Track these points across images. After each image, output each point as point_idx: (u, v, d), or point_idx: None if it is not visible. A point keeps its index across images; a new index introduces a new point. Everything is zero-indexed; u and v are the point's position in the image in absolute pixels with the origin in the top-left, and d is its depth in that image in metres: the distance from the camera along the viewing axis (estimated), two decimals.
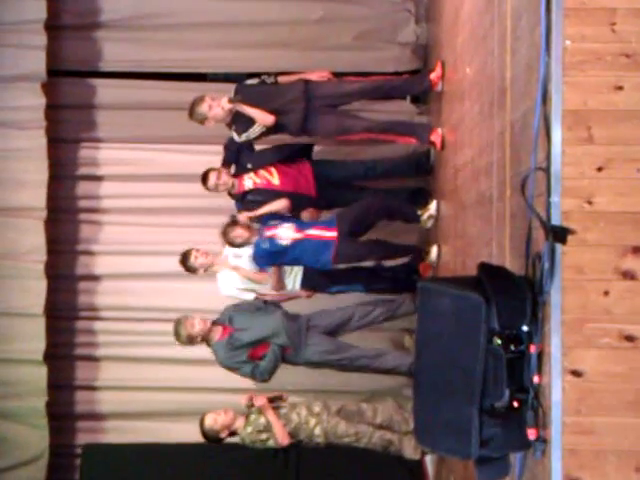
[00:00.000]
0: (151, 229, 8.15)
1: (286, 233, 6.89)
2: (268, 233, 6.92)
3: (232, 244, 7.01)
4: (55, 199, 7.92)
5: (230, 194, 7.31)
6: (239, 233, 6.93)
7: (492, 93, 4.66)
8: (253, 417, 6.58)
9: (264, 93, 6.98)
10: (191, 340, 6.89)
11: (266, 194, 7.20)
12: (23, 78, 7.73)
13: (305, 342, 6.90)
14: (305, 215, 7.24)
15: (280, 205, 7.04)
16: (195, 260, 7.08)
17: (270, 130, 6.95)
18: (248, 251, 7.07)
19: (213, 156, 7.94)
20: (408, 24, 7.99)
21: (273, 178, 7.24)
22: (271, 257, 6.92)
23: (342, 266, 7.09)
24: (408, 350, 7.23)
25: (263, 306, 7.11)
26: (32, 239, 7.79)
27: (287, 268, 7.19)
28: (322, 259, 6.88)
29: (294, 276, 7.22)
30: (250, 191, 7.26)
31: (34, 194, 7.76)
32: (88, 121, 8.15)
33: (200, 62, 8.04)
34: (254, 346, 6.85)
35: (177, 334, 6.88)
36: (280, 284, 7.17)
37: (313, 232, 6.92)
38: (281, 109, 6.89)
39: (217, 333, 6.92)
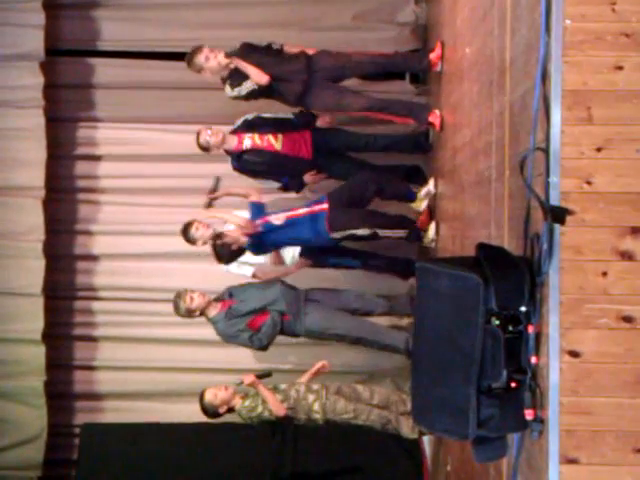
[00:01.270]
0: (150, 209, 8.14)
1: (278, 215, 6.95)
2: (259, 222, 6.96)
3: (231, 255, 7.05)
4: (54, 179, 7.92)
5: (226, 151, 7.27)
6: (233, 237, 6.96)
7: (491, 73, 4.64)
8: (252, 392, 6.64)
9: (268, 57, 6.96)
10: (190, 313, 6.96)
11: (265, 155, 7.20)
12: (21, 57, 7.71)
13: (304, 310, 6.98)
14: (307, 178, 7.28)
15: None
16: (196, 231, 7.07)
17: (263, 92, 6.92)
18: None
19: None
20: (407, 4, 7.97)
21: (277, 142, 7.23)
22: (269, 239, 6.94)
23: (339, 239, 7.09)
24: (406, 329, 7.23)
25: (263, 282, 7.22)
26: (30, 219, 7.79)
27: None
28: (318, 230, 6.92)
29: (293, 252, 7.25)
30: (248, 151, 7.24)
31: (32, 174, 7.75)
32: (87, 100, 8.13)
33: (199, 41, 7.94)
34: (253, 315, 6.93)
35: (176, 307, 6.96)
36: (278, 258, 7.18)
37: (304, 210, 6.99)
38: (282, 77, 6.88)
39: (216, 308, 6.99)
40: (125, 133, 8.15)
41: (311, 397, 6.62)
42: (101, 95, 8.12)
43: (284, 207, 7.17)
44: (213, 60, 6.85)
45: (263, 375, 6.72)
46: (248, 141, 7.25)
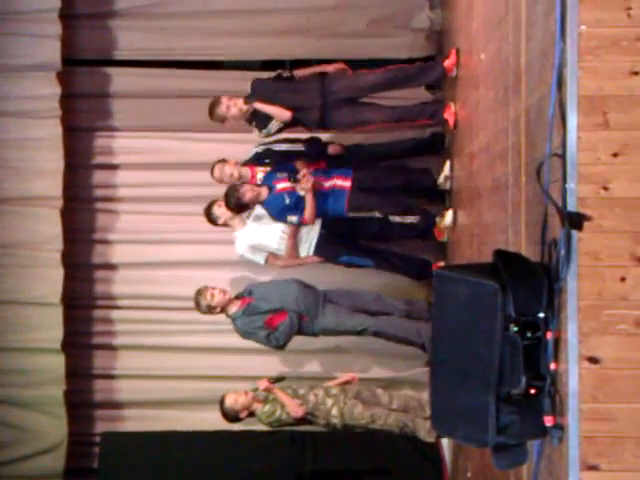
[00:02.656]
0: (167, 217, 8.15)
1: (307, 180, 6.95)
2: (280, 186, 6.94)
3: (238, 205, 7.03)
4: (71, 188, 7.94)
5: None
6: (245, 192, 6.95)
7: (507, 79, 4.64)
8: (271, 397, 6.69)
9: (280, 89, 7.08)
10: (210, 310, 7.04)
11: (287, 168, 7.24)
12: (38, 67, 7.73)
13: (322, 311, 7.01)
14: (299, 164, 7.25)
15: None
16: (219, 208, 7.18)
17: (289, 124, 7.08)
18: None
19: (229, 144, 7.97)
20: (422, 10, 7.96)
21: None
22: (292, 210, 7.00)
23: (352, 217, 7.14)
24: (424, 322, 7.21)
25: (283, 281, 7.23)
26: (49, 228, 7.81)
27: (302, 236, 7.22)
28: (336, 205, 7.04)
29: (309, 244, 7.25)
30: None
31: (50, 183, 7.77)
32: (103, 110, 8.15)
33: (216, 50, 8.03)
34: (271, 314, 6.96)
35: (197, 304, 7.04)
36: (293, 250, 7.23)
37: (328, 184, 7.07)
38: (298, 106, 7.00)
39: (236, 305, 7.05)
40: (142, 142, 8.17)
41: (330, 402, 6.66)
42: (118, 104, 8.15)
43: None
44: (234, 108, 7.02)
45: (277, 379, 6.81)
46: (261, 175, 7.30)
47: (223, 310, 7.05)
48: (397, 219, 7.10)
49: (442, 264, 7.06)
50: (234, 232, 7.36)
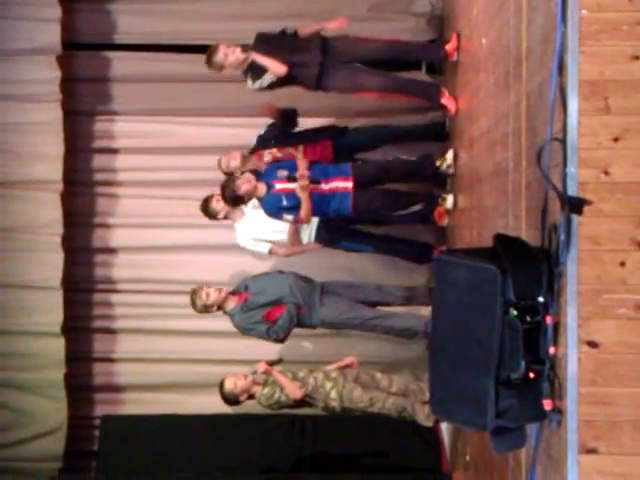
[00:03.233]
0: (167, 202, 8.16)
1: (303, 184, 6.89)
2: (279, 186, 6.92)
3: (233, 198, 6.97)
4: (71, 172, 7.95)
5: (251, 171, 7.23)
6: (240, 185, 6.89)
7: (508, 64, 4.63)
8: (270, 380, 6.70)
9: (282, 44, 6.99)
10: (207, 309, 6.99)
11: (288, 165, 7.21)
12: (38, 51, 7.73)
13: (320, 302, 6.98)
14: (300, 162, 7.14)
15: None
16: (217, 203, 7.12)
17: (284, 81, 6.95)
18: None
19: (229, 128, 7.98)
20: None
21: (297, 153, 7.24)
22: (288, 210, 6.95)
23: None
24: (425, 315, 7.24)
25: (278, 273, 7.19)
26: (49, 212, 7.82)
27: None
28: (340, 207, 6.96)
29: (309, 230, 7.25)
30: (271, 164, 7.26)
31: (50, 167, 7.78)
32: (103, 94, 8.15)
33: (215, 34, 7.98)
34: (269, 307, 6.93)
35: (193, 304, 6.98)
36: (295, 236, 7.21)
37: (328, 186, 6.94)
38: (298, 62, 6.90)
39: (232, 302, 7.00)
40: (142, 126, 8.17)
41: (329, 385, 6.68)
42: (118, 88, 8.15)
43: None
44: (232, 56, 6.89)
45: (275, 362, 6.82)
46: (268, 157, 7.28)
47: (220, 308, 7.00)
48: (401, 212, 7.12)
49: (444, 248, 7.06)
50: (234, 223, 7.32)
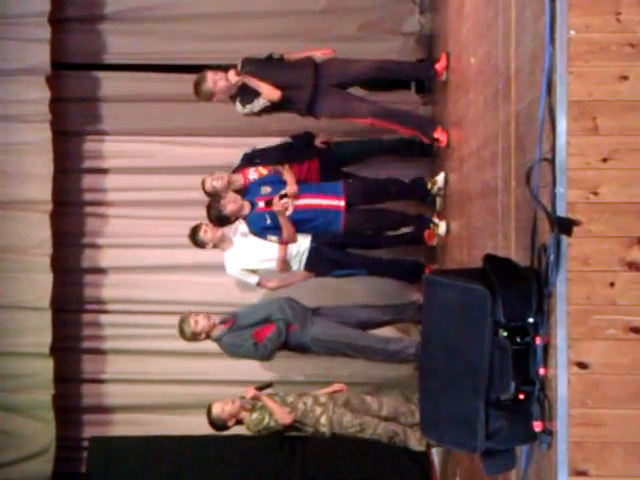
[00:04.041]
0: (157, 222, 8.14)
1: (286, 204, 6.92)
2: (261, 204, 6.92)
3: (219, 218, 6.96)
4: (61, 192, 7.92)
5: (236, 191, 7.23)
6: (226, 204, 6.90)
7: (497, 84, 4.64)
8: (259, 405, 6.65)
9: (273, 67, 6.94)
10: (195, 336, 6.92)
11: (272, 180, 7.20)
12: (28, 71, 7.72)
13: (310, 321, 6.92)
14: (285, 172, 7.16)
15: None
16: (205, 234, 7.03)
17: (275, 106, 6.88)
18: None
19: (218, 148, 7.98)
20: (412, 14, 7.99)
21: (285, 171, 7.20)
22: (273, 230, 6.94)
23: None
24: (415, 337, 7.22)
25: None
26: (38, 232, 7.79)
27: (293, 250, 7.06)
28: (330, 227, 6.98)
29: (299, 259, 7.17)
30: (255, 182, 7.24)
31: (40, 187, 7.76)
32: (93, 114, 8.15)
33: (204, 54, 8.01)
34: (258, 326, 6.87)
35: (181, 331, 6.92)
36: (284, 265, 7.08)
37: (318, 202, 6.97)
38: (290, 84, 6.84)
39: (220, 329, 6.96)
40: (131, 146, 8.16)
41: (318, 410, 6.62)
42: (107, 108, 8.14)
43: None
44: (220, 81, 6.78)
45: (263, 386, 6.76)
46: (254, 174, 7.26)
47: (208, 336, 6.94)
48: (390, 233, 7.11)
49: (435, 267, 7.05)
50: (224, 252, 7.24)
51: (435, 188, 7.03)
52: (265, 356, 6.98)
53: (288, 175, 6.97)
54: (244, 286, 7.69)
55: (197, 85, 6.86)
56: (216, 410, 6.68)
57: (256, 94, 6.79)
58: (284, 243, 6.95)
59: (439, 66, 6.79)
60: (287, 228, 6.84)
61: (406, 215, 7.29)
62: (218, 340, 6.97)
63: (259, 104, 6.81)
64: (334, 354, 7.19)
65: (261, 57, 7.01)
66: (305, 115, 7.04)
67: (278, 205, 6.80)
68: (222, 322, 7.00)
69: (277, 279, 7.24)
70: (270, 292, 7.45)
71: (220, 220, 6.96)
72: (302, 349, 7.07)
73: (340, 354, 7.14)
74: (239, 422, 6.68)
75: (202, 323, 6.86)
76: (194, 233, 7.07)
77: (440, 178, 6.95)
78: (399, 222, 7.24)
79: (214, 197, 7.02)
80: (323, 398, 6.70)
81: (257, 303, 7.24)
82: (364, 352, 7.09)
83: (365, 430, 6.61)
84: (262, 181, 7.13)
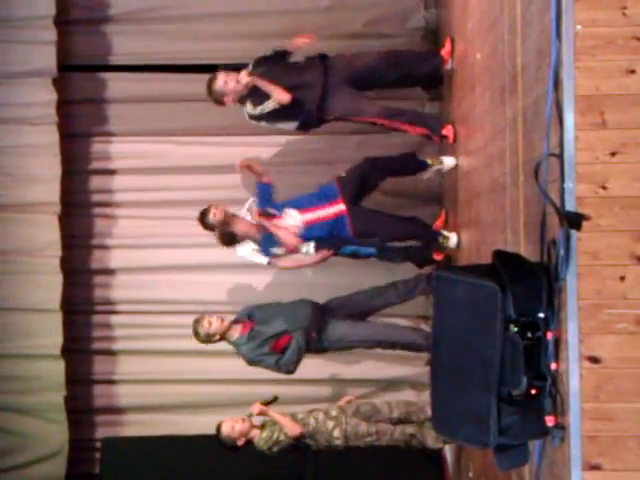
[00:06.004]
0: (165, 222, 8.14)
1: (293, 221, 6.89)
2: (267, 224, 6.89)
3: (226, 238, 7.02)
4: (69, 194, 7.94)
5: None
6: (237, 223, 6.96)
7: (503, 79, 4.64)
8: (269, 423, 6.60)
9: (283, 69, 6.95)
10: (209, 338, 6.86)
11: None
12: (34, 74, 7.73)
13: (325, 324, 6.88)
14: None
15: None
16: (214, 217, 6.99)
17: (285, 108, 6.88)
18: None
19: (225, 147, 7.97)
20: (417, 10, 7.97)
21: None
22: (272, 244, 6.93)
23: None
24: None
25: (283, 302, 7.10)
26: (47, 234, 7.80)
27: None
28: (339, 234, 6.93)
29: (307, 244, 7.10)
30: None
31: (48, 189, 7.77)
32: (100, 115, 8.15)
33: (210, 53, 8.01)
34: (276, 338, 6.81)
35: (195, 333, 6.88)
36: (294, 239, 6.94)
37: (320, 214, 6.93)
38: (300, 85, 6.86)
39: (237, 331, 6.89)
40: (138, 147, 8.16)
41: (331, 424, 6.57)
42: (114, 109, 8.15)
43: (293, 199, 7.10)
44: (232, 82, 6.82)
45: (269, 401, 6.70)
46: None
47: (223, 337, 6.88)
48: (396, 243, 7.07)
49: (443, 255, 7.01)
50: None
51: (435, 168, 6.98)
52: (287, 372, 6.92)
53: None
54: (254, 284, 7.70)
55: (209, 85, 6.91)
56: (226, 429, 6.57)
57: (266, 96, 6.82)
58: (290, 251, 6.94)
59: (444, 52, 6.82)
60: (279, 234, 6.84)
61: (415, 224, 7.19)
62: (236, 346, 6.90)
63: (269, 106, 6.84)
64: (351, 350, 7.22)
65: (270, 54, 7.01)
66: (315, 114, 7.01)
67: (256, 217, 6.80)
68: (236, 322, 6.95)
69: (290, 259, 7.12)
70: (279, 285, 7.40)
71: (227, 242, 7.05)
72: (321, 351, 7.06)
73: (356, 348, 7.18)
74: (249, 442, 6.60)
75: (215, 325, 6.81)
76: (203, 216, 7.05)
77: (448, 161, 6.88)
78: (407, 230, 7.15)
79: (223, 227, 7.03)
80: (334, 412, 6.64)
81: (274, 305, 7.09)
82: (379, 346, 7.11)
83: (382, 438, 6.57)
84: (260, 203, 7.10)
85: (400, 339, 7.01)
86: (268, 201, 7.03)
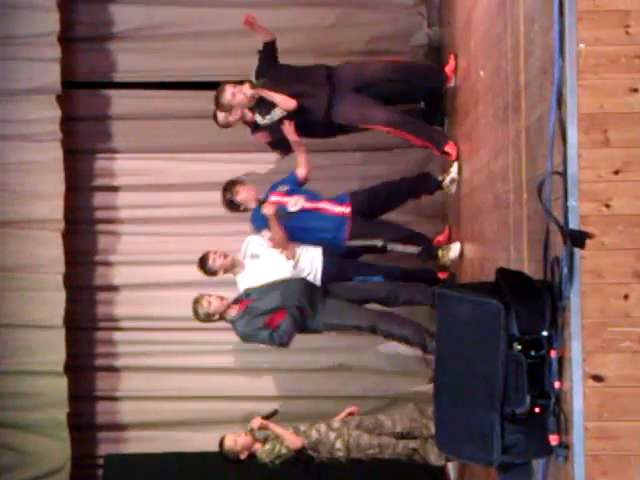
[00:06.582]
0: (168, 238, 8.15)
1: (296, 201, 6.95)
2: (274, 199, 6.94)
3: (230, 205, 7.09)
4: (72, 210, 7.93)
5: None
6: (239, 191, 7.02)
7: (507, 96, 4.64)
8: (271, 436, 6.61)
9: (285, 77, 6.99)
10: (209, 317, 6.92)
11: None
12: (38, 91, 7.74)
13: (322, 305, 6.88)
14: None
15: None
16: (214, 262, 7.05)
17: (294, 115, 6.91)
18: (266, 251, 7.08)
19: (228, 164, 7.98)
20: (421, 28, 7.99)
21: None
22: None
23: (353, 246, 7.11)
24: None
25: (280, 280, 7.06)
26: (50, 251, 7.80)
27: (306, 267, 7.05)
28: (337, 234, 6.98)
29: (313, 275, 7.07)
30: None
31: (51, 206, 7.77)
32: (103, 132, 8.16)
33: (214, 70, 8.03)
34: (271, 313, 6.82)
35: (195, 313, 6.94)
36: (285, 242, 6.98)
37: (325, 206, 7.00)
38: (303, 94, 6.90)
39: (234, 309, 6.93)
40: (142, 163, 8.17)
41: (333, 435, 6.56)
42: (118, 126, 8.16)
43: (307, 189, 7.17)
44: (239, 94, 6.89)
45: (269, 415, 6.71)
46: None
47: (222, 317, 6.94)
48: (399, 248, 7.06)
49: (447, 274, 7.01)
50: (236, 277, 7.19)
51: (448, 179, 6.91)
52: (282, 345, 6.91)
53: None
54: None
55: (217, 97, 6.96)
56: (228, 443, 6.60)
57: (273, 105, 6.86)
58: (275, 245, 6.99)
59: (448, 68, 6.84)
60: (275, 229, 6.86)
61: (414, 232, 7.20)
62: (232, 323, 6.94)
63: (277, 114, 6.87)
64: (346, 332, 7.27)
65: (260, 56, 7.05)
66: (323, 120, 7.00)
67: (267, 208, 6.82)
68: (235, 301, 6.97)
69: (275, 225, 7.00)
70: (285, 273, 7.38)
71: (230, 205, 7.10)
72: (317, 332, 7.05)
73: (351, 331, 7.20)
74: (252, 456, 6.60)
75: (215, 304, 6.86)
76: (203, 262, 7.09)
77: (453, 169, 6.84)
78: (406, 233, 7.15)
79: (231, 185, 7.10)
80: (336, 424, 6.63)
81: (272, 283, 7.02)
82: (374, 333, 7.06)
83: (384, 451, 6.56)
84: (281, 181, 7.15)
85: (396, 331, 6.96)
86: (290, 183, 7.12)
